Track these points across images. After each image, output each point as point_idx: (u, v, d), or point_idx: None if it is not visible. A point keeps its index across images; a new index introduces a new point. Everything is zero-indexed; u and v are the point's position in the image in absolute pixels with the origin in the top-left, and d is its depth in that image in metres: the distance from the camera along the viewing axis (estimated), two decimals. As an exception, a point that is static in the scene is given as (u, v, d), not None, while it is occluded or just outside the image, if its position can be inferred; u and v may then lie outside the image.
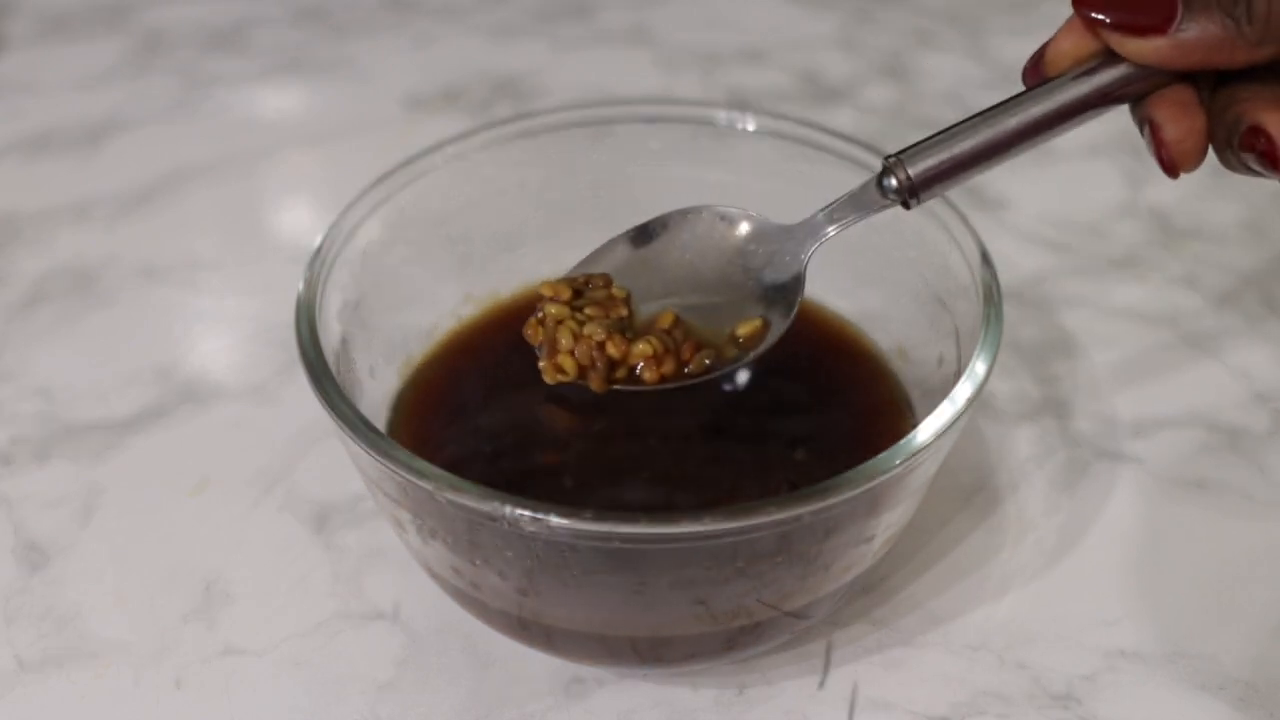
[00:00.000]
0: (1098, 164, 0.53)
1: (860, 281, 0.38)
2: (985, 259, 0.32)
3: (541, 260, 0.40)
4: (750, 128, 0.37)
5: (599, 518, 0.25)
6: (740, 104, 0.59)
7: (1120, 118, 0.29)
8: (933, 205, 0.34)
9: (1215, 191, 0.52)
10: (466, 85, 0.60)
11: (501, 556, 0.28)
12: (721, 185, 0.38)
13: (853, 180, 0.36)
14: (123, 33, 0.64)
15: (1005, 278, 0.32)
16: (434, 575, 0.31)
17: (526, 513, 0.25)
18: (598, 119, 0.38)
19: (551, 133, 0.37)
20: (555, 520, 0.25)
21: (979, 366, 0.29)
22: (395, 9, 0.67)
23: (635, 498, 0.34)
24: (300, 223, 0.53)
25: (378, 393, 0.35)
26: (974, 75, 0.61)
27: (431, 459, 0.27)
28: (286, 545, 0.37)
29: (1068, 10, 0.27)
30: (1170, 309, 0.45)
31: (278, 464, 0.39)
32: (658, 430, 0.35)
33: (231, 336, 0.46)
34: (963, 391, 0.29)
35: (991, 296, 0.31)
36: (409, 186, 0.35)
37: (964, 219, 0.33)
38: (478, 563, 0.29)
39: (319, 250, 0.33)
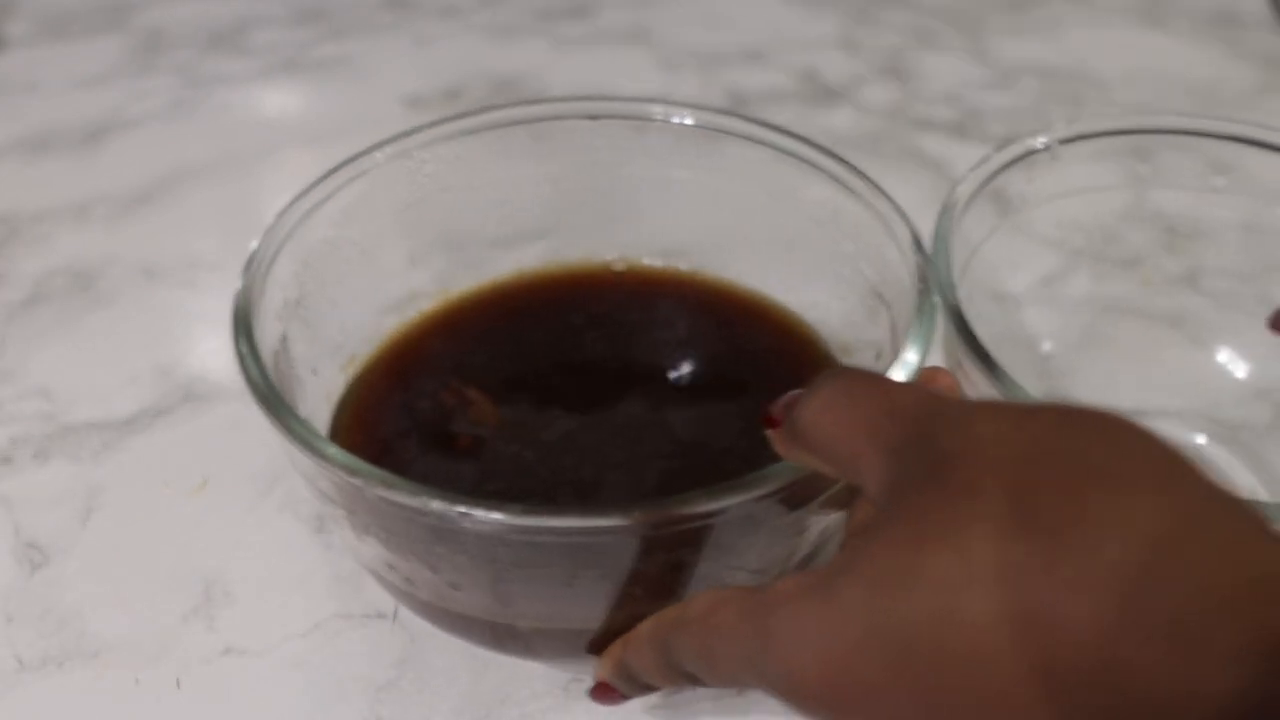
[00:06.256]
0: (1101, 165, 0.53)
1: (803, 277, 0.37)
2: (918, 247, 0.31)
3: (487, 259, 0.39)
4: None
5: (528, 511, 0.24)
6: (737, 104, 0.59)
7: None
8: (869, 195, 0.33)
9: (1216, 192, 0.52)
10: (466, 85, 0.60)
11: (432, 552, 0.27)
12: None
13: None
14: (123, 33, 0.64)
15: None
16: (374, 574, 0.31)
17: (457, 508, 0.25)
18: (543, 115, 0.37)
19: (495, 130, 0.37)
20: (496, 516, 0.24)
21: (910, 356, 0.28)
22: (395, 9, 0.67)
23: (573, 495, 0.33)
24: (300, 223, 0.53)
25: (320, 391, 0.34)
26: (974, 75, 0.61)
27: (374, 458, 0.26)
28: (286, 545, 0.37)
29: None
30: (1171, 309, 0.45)
31: (278, 464, 0.39)
32: (601, 428, 0.35)
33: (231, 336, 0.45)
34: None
35: (924, 286, 0.30)
36: (353, 183, 0.35)
37: (898, 209, 0.32)
38: (411, 559, 0.28)
39: (258, 249, 0.32)
